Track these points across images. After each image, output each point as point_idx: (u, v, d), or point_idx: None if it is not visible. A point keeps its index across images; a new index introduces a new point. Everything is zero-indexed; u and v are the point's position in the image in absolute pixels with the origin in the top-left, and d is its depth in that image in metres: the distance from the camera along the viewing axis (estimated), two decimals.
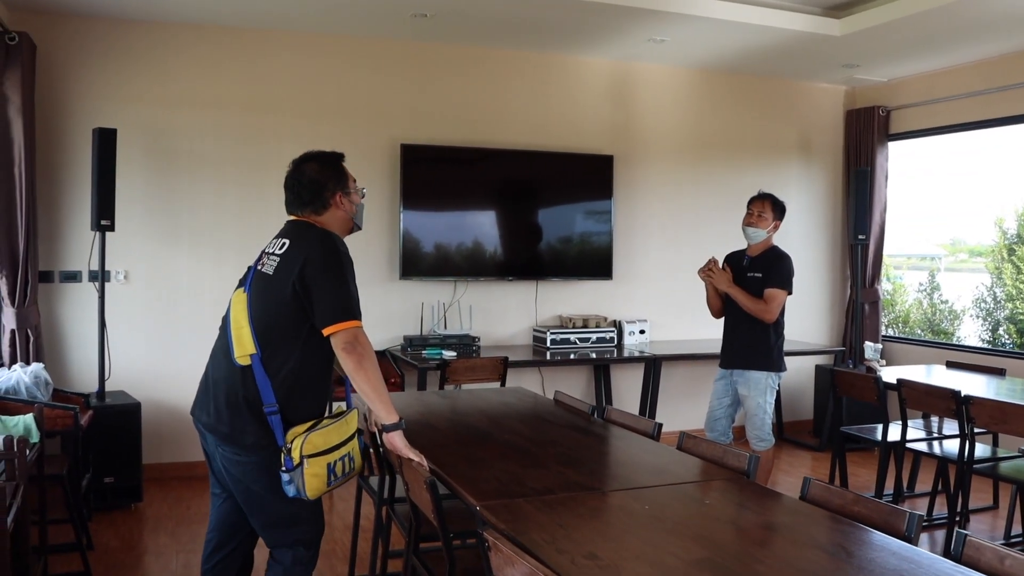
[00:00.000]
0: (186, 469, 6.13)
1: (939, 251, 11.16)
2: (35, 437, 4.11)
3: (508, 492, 2.71)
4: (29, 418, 4.13)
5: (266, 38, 6.24)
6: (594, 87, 7.13)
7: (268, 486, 2.96)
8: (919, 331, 9.64)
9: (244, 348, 2.99)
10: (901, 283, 10.32)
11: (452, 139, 6.64)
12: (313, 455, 2.88)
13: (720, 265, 5.28)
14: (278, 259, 3.04)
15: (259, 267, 3.09)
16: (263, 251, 3.17)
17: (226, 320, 3.12)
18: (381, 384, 3.03)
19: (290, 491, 2.90)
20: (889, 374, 5.66)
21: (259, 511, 3.06)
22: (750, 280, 5.13)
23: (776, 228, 5.20)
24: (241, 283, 3.16)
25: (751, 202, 5.25)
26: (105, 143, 5.42)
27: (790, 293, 5.09)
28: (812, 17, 6.03)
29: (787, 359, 7.56)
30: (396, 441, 3.05)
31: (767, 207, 5.18)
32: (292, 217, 3.23)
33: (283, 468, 2.89)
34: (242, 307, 3.05)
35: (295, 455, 2.86)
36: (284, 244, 3.08)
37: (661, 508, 2.61)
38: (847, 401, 7.06)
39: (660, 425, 3.65)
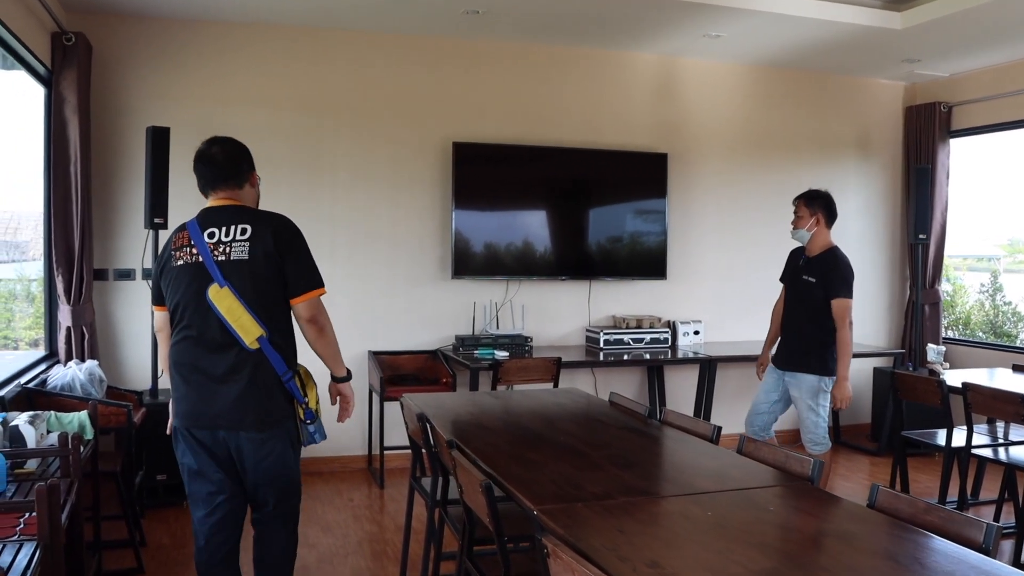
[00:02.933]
0: None
1: (998, 251, 10.86)
2: (89, 434, 4.12)
3: (565, 496, 2.63)
4: (83, 415, 4.13)
5: (319, 37, 6.23)
6: (647, 83, 7.03)
7: (292, 455, 3.21)
8: (980, 333, 9.38)
9: (251, 334, 3.09)
10: (961, 284, 10.06)
11: (504, 137, 6.58)
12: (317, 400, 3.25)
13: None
14: (247, 243, 3.10)
15: (217, 256, 3.10)
16: (214, 241, 3.12)
17: (203, 319, 3.11)
18: (337, 345, 3.29)
19: (316, 438, 3.25)
20: (952, 377, 5.49)
21: (282, 483, 3.21)
22: (803, 282, 5.05)
23: (819, 223, 5.07)
24: (196, 280, 3.12)
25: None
26: (158, 142, 5.44)
27: (851, 298, 4.96)
28: (873, 10, 5.87)
29: None
30: (347, 390, 3.39)
31: (801, 206, 5.12)
32: (217, 202, 3.26)
33: (307, 421, 3.21)
34: (231, 299, 3.07)
35: (312, 405, 3.22)
36: (245, 229, 3.13)
37: (724, 515, 2.52)
38: (906, 405, 6.89)
39: (719, 428, 3.55)
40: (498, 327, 6.54)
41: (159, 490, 5.41)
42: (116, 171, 5.88)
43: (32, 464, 3.60)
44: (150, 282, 3.56)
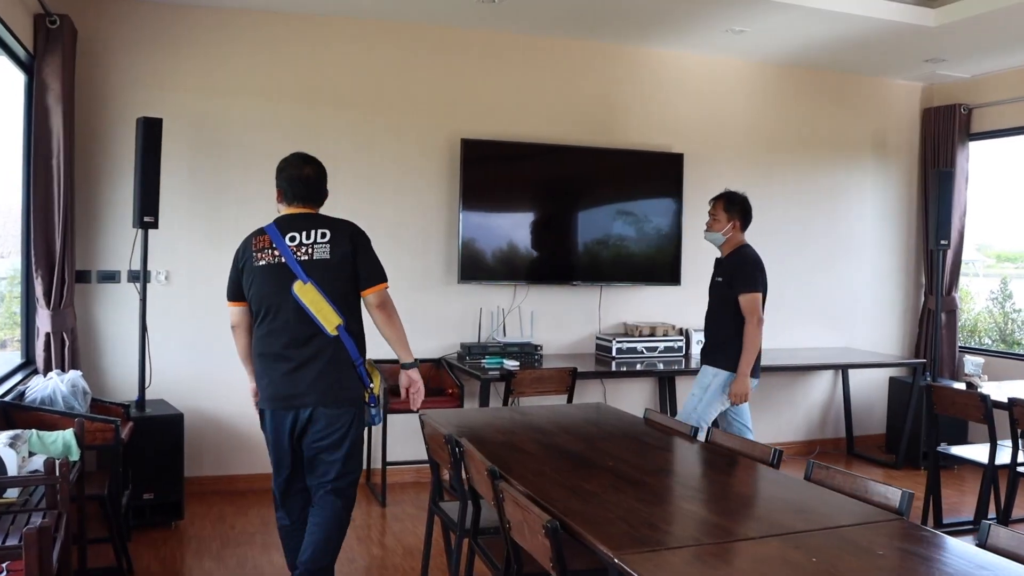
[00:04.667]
0: (228, 483, 5.76)
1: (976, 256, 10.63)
2: (75, 455, 3.74)
3: (644, 539, 2.29)
4: (69, 434, 3.74)
5: (321, 25, 5.85)
6: (664, 81, 6.70)
7: (358, 430, 3.65)
8: (988, 340, 9.14)
9: (332, 322, 3.56)
10: (967, 290, 9.82)
11: (515, 134, 6.23)
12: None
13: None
14: (327, 245, 3.59)
15: (300, 257, 3.56)
16: (295, 244, 3.59)
17: (287, 312, 3.57)
18: (404, 331, 3.74)
19: (376, 421, 3.73)
20: (992, 390, 5.20)
21: (346, 454, 3.61)
22: (715, 284, 5.03)
23: (736, 227, 5.01)
24: (279, 278, 3.57)
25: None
26: (150, 133, 5.04)
27: (760, 292, 4.88)
28: (907, 6, 5.58)
29: (858, 371, 7.26)
30: (416, 376, 3.76)
31: (719, 208, 5.01)
32: (295, 211, 3.71)
33: (371, 404, 3.68)
34: (314, 293, 3.54)
35: (376, 392, 3.69)
36: (325, 233, 3.62)
37: (830, 561, 2.18)
38: (911, 415, 6.65)
39: (779, 452, 3.22)
40: (505, 334, 6.19)
41: (146, 510, 5.01)
42: (102, 165, 5.47)
43: (13, 492, 3.22)
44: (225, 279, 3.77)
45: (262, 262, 3.59)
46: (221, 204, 5.69)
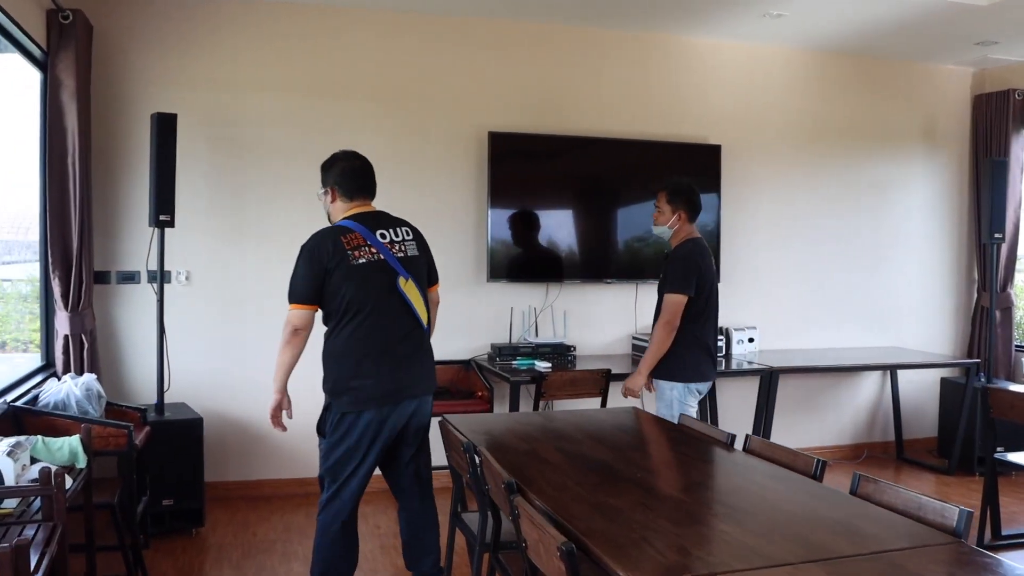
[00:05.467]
0: (253, 488, 5.60)
1: None
2: (82, 462, 3.57)
3: (672, 566, 2.05)
4: (75, 440, 3.58)
5: (341, 17, 5.67)
6: (699, 70, 6.44)
7: None
8: None
9: (424, 316, 3.72)
10: (1021, 287, 9.42)
11: (544, 127, 6.01)
12: None
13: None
14: (413, 243, 3.74)
15: (396, 253, 3.63)
16: (388, 242, 3.64)
17: (392, 309, 3.61)
18: None
19: None
20: None
21: (427, 428, 3.81)
22: (660, 280, 4.69)
23: (683, 219, 4.62)
24: (382, 275, 3.60)
25: None
26: (164, 130, 4.89)
27: (688, 294, 4.48)
28: None
29: (907, 372, 6.94)
30: None
31: (661, 199, 4.68)
32: (364, 208, 3.74)
33: None
34: (414, 289, 3.66)
35: None
36: (407, 231, 3.75)
37: None
38: (964, 419, 6.33)
39: (823, 464, 2.98)
40: (537, 335, 5.97)
41: (165, 517, 4.86)
42: (120, 163, 5.33)
43: (11, 503, 3.07)
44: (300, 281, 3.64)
45: (361, 260, 3.55)
46: (241, 201, 5.54)
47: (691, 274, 4.49)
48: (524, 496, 2.66)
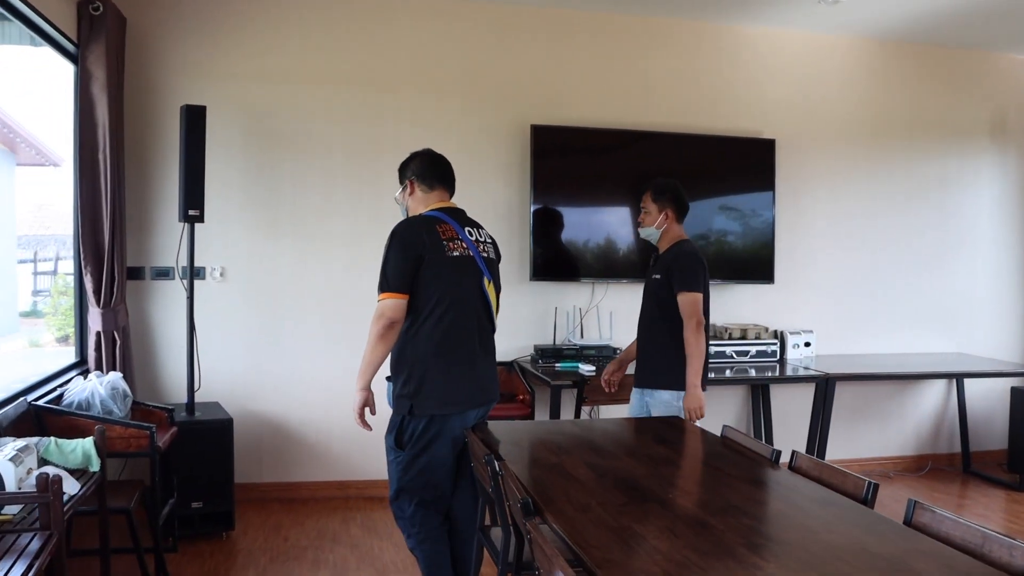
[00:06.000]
0: (289, 491, 5.48)
1: None
2: (95, 465, 3.47)
3: None
4: (88, 442, 3.48)
5: (380, 5, 5.51)
6: (752, 60, 6.15)
7: None
8: None
9: (495, 320, 3.60)
10: None
11: (588, 120, 5.78)
12: None
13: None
14: (492, 246, 3.63)
15: (482, 253, 3.51)
16: (474, 240, 3.50)
17: (476, 309, 3.49)
18: None
19: None
20: None
21: None
22: (652, 282, 4.36)
23: (669, 218, 4.37)
24: (472, 273, 3.47)
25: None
26: (193, 122, 4.77)
27: (702, 292, 4.22)
28: None
29: (974, 380, 6.56)
30: None
31: (647, 200, 4.44)
32: (449, 204, 3.60)
33: None
34: (493, 293, 3.56)
35: None
36: (487, 233, 3.63)
37: None
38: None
39: (875, 486, 2.72)
40: (582, 336, 5.74)
41: (194, 520, 4.74)
42: (154, 157, 5.24)
43: (12, 509, 2.95)
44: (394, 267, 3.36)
45: (455, 252, 3.41)
46: (278, 196, 5.41)
47: (701, 270, 4.26)
48: (542, 516, 2.45)
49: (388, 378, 3.56)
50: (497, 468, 2.78)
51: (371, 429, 3.49)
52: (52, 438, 3.44)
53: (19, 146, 5.93)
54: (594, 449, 3.25)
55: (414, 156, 3.67)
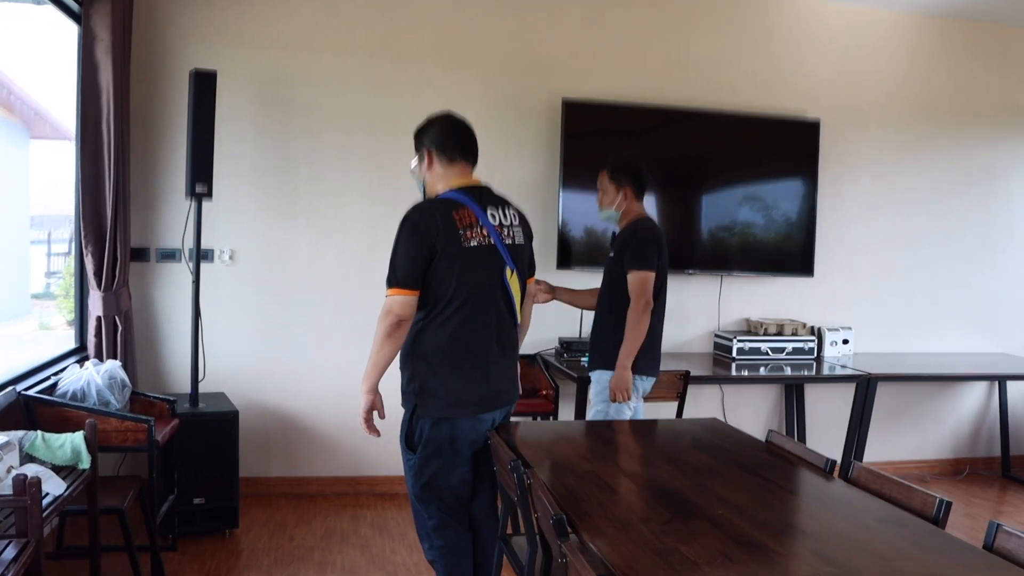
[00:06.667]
0: (297, 485, 5.21)
1: None
2: (85, 462, 3.20)
3: None
4: (78, 437, 3.21)
5: None
6: (797, 35, 5.79)
7: None
8: None
9: (517, 313, 3.25)
10: None
11: (622, 95, 5.44)
12: None
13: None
14: (520, 228, 3.23)
15: (505, 240, 3.12)
16: (497, 224, 3.12)
17: (497, 303, 3.15)
18: None
19: None
20: None
21: None
22: (608, 261, 4.20)
23: (629, 196, 4.13)
24: (492, 264, 3.11)
25: None
26: (203, 89, 4.46)
27: (654, 271, 3.97)
28: None
29: (1018, 382, 6.22)
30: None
31: (603, 179, 4.19)
32: (472, 181, 3.21)
33: None
34: (517, 283, 3.19)
35: None
36: (516, 214, 3.24)
37: None
38: None
39: (947, 504, 2.41)
40: None
41: (196, 516, 4.48)
42: (162, 128, 4.94)
43: None
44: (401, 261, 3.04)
45: (473, 242, 3.04)
46: (293, 173, 5.11)
47: (654, 248, 3.98)
48: (577, 534, 2.16)
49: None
50: (525, 477, 2.49)
51: (379, 435, 3.18)
52: (39, 432, 3.17)
53: (34, 119, 5.71)
54: (630, 454, 2.96)
55: (432, 121, 3.27)
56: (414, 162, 3.32)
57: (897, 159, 6.02)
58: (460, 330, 3.05)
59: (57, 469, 3.11)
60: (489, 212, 3.12)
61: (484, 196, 3.17)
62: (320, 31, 5.10)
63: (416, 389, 3.08)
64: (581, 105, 5.30)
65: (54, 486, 2.86)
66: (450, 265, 3.00)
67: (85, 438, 3.20)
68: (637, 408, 4.13)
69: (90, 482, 3.19)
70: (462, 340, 3.06)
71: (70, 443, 3.17)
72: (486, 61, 5.32)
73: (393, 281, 3.00)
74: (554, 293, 4.30)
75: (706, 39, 5.64)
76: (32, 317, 6.05)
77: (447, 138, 3.20)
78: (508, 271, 3.14)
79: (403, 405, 3.16)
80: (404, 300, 2.98)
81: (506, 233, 3.14)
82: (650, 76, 5.54)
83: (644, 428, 3.49)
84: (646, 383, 4.12)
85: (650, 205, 5.47)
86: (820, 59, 5.83)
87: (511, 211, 3.22)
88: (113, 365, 4.06)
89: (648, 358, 4.06)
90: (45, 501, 2.72)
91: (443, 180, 3.19)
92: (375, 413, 3.13)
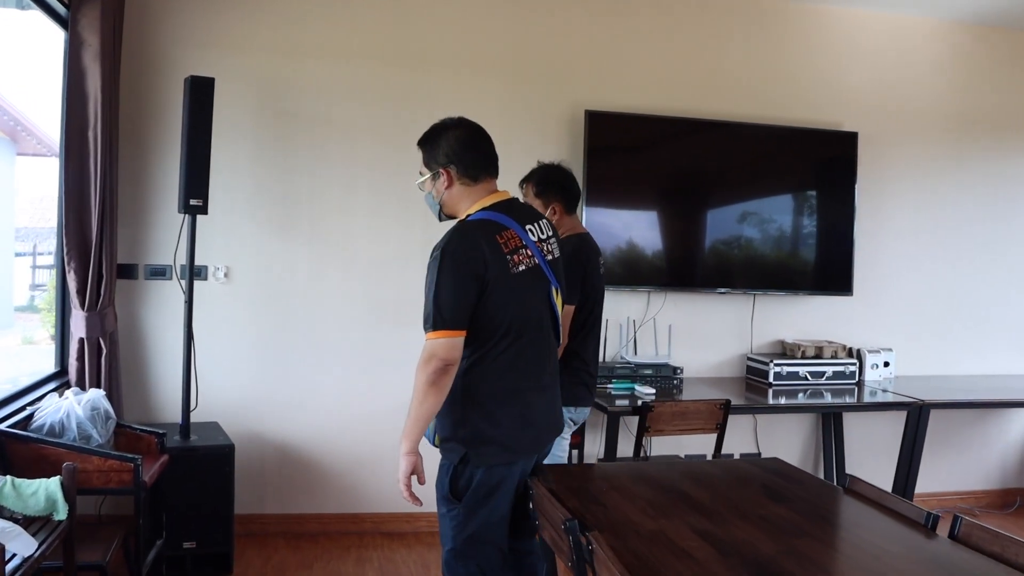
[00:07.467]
0: (295, 523, 4.78)
1: None
2: (61, 512, 2.77)
3: None
4: (53, 484, 2.79)
5: None
6: (833, 44, 5.42)
7: None
8: None
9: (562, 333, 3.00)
10: None
11: (648, 107, 5.06)
12: None
13: None
14: (555, 240, 2.92)
15: (546, 256, 2.81)
16: (537, 240, 2.78)
17: (544, 329, 2.83)
18: None
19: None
20: None
21: None
22: None
23: (559, 212, 3.66)
24: (539, 286, 2.78)
25: None
26: (199, 97, 4.07)
27: (574, 303, 3.56)
28: None
29: None
30: None
31: (529, 195, 3.71)
32: (503, 196, 2.81)
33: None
34: (560, 302, 2.91)
35: None
36: (546, 224, 2.92)
37: None
38: None
39: None
40: (636, 352, 5.03)
41: (186, 562, 4.05)
42: (153, 138, 4.54)
43: None
44: (447, 300, 2.59)
45: (521, 267, 2.69)
46: (292, 187, 4.71)
47: (576, 279, 3.55)
48: None
49: None
50: (586, 541, 2.08)
51: (421, 504, 2.72)
52: (9, 478, 2.76)
53: (20, 135, 5.50)
54: (695, 507, 2.54)
55: (444, 129, 2.82)
56: (423, 179, 2.88)
57: (939, 172, 5.65)
58: (513, 365, 2.70)
59: (29, 520, 2.70)
60: (527, 227, 2.77)
61: (520, 212, 2.82)
62: (326, 37, 4.71)
63: (466, 437, 2.67)
64: (606, 116, 4.91)
65: (23, 545, 2.45)
66: (502, 297, 2.65)
67: (62, 484, 2.77)
68: (565, 444, 3.71)
69: (67, 535, 2.77)
70: (514, 376, 2.71)
71: (44, 490, 2.75)
72: (503, 70, 4.94)
73: (439, 322, 2.57)
74: None
75: (738, 48, 5.27)
76: (15, 331, 5.83)
77: (469, 152, 2.79)
78: (553, 290, 2.83)
79: (445, 455, 2.74)
80: (451, 343, 2.57)
81: (546, 249, 2.82)
82: (679, 86, 5.16)
83: (701, 471, 3.07)
84: (577, 414, 3.69)
85: (684, 220, 5.11)
86: (857, 69, 5.46)
87: (544, 223, 2.89)
88: (96, 395, 3.64)
89: (578, 388, 3.64)
90: (12, 564, 2.31)
91: (467, 198, 2.79)
92: (415, 478, 2.69)
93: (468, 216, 2.73)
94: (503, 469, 2.68)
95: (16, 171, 5.65)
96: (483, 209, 2.73)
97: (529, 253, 2.72)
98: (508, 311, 2.65)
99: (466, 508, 2.67)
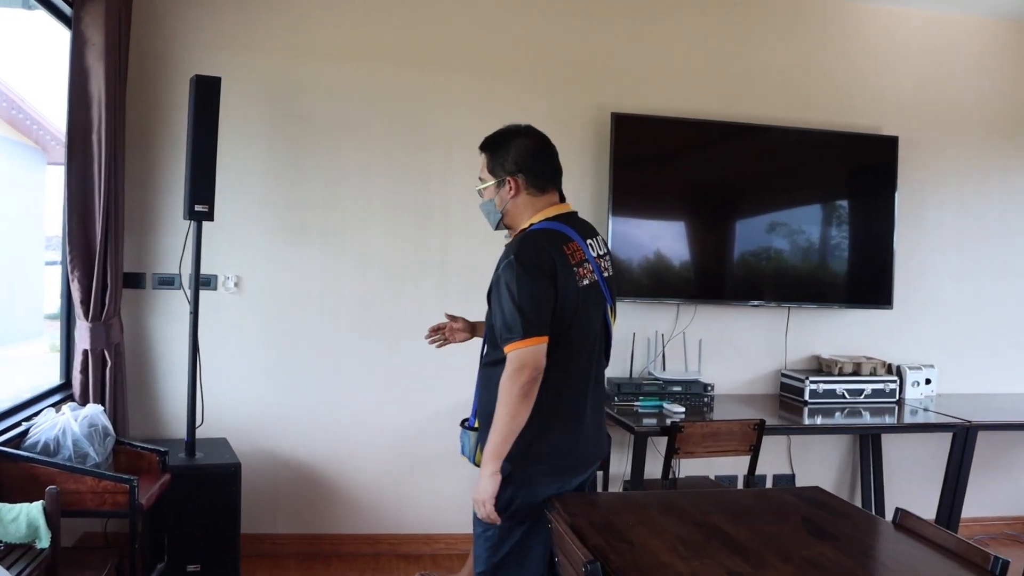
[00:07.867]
0: (308, 544, 4.60)
1: None
2: (44, 540, 2.58)
3: None
4: (36, 509, 2.60)
5: None
6: (872, 43, 5.17)
7: None
8: None
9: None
10: None
11: (677, 110, 4.84)
12: None
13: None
14: (609, 256, 2.84)
15: (604, 272, 2.73)
16: (596, 256, 2.70)
17: (600, 346, 2.74)
18: None
19: None
20: None
21: None
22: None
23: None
24: (599, 303, 2.70)
25: None
26: (205, 97, 3.89)
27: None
28: None
29: None
30: None
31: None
32: (566, 208, 2.74)
33: None
34: (614, 320, 2.83)
35: None
36: (603, 241, 2.81)
37: None
38: None
39: None
40: (664, 367, 4.79)
41: None
42: (161, 142, 4.38)
43: None
44: (525, 304, 2.50)
45: (585, 281, 2.63)
46: (304, 192, 4.53)
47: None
48: None
49: (464, 424, 2.78)
50: None
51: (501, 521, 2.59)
52: None
53: (50, 145, 5.55)
54: (731, 545, 2.30)
55: (513, 136, 2.74)
56: (484, 185, 2.76)
57: (983, 178, 5.38)
58: (569, 382, 2.63)
59: (9, 548, 2.51)
60: (588, 242, 2.69)
61: (581, 226, 2.73)
62: (340, 37, 4.53)
63: (514, 455, 2.53)
64: (633, 119, 4.68)
65: None
66: (570, 307, 2.58)
67: (44, 509, 2.58)
68: None
69: (50, 563, 2.57)
70: (571, 394, 2.65)
71: (25, 516, 2.57)
72: (526, 71, 4.73)
73: (528, 328, 2.48)
74: (473, 331, 3.31)
75: (773, 49, 5.03)
76: (44, 339, 5.82)
77: (539, 163, 2.71)
78: (609, 308, 2.77)
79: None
80: (540, 349, 2.49)
81: (604, 265, 2.75)
82: (710, 88, 4.93)
83: (736, 503, 2.83)
84: None
85: (714, 229, 4.88)
86: (897, 69, 5.21)
87: (601, 241, 2.80)
88: (94, 411, 3.47)
89: None
90: None
91: (531, 208, 2.71)
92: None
93: (531, 225, 2.66)
94: (544, 491, 2.59)
95: (47, 180, 5.68)
96: (547, 220, 2.66)
97: (591, 268, 2.65)
98: (573, 324, 2.57)
99: (504, 527, 2.57)
